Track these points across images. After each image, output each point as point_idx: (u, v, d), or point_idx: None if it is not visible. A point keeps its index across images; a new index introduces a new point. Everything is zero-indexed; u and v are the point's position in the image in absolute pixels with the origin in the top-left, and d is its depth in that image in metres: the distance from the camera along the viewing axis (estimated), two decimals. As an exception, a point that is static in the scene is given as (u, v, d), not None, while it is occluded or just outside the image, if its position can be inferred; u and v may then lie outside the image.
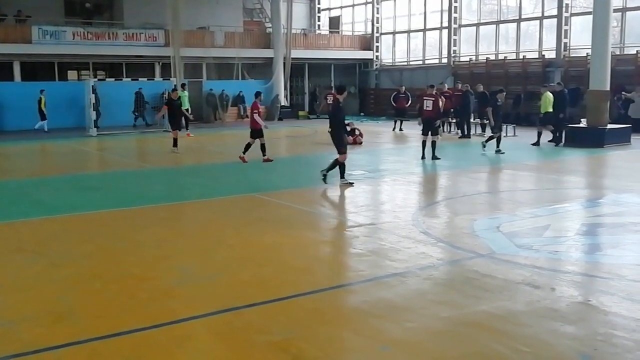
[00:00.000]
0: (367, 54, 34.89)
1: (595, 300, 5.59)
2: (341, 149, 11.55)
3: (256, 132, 15.09)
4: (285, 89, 31.97)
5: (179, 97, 18.92)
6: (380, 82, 34.61)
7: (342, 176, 11.68)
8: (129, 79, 26.02)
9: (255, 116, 15.08)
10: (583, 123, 18.88)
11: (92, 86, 23.80)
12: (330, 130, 11.92)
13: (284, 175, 13.81)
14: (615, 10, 20.99)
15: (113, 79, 26.48)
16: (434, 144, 15.15)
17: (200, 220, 9.26)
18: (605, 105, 18.56)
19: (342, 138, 11.70)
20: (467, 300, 5.60)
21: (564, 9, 25.19)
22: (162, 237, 8.15)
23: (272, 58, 31.37)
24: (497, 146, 16.35)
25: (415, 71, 32.22)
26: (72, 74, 30.75)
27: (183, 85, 23.42)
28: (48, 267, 6.86)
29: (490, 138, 16.59)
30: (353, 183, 11.72)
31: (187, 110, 22.14)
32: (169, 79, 25.40)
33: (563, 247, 7.42)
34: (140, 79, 25.92)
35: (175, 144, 17.37)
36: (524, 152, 16.81)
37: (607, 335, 4.79)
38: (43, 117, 24.09)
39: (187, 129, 22.29)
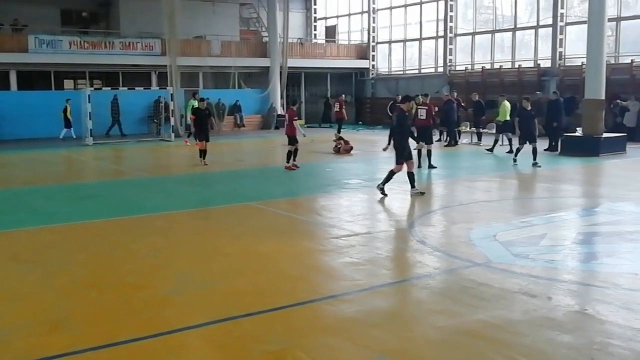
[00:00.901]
0: (363, 63, 35.00)
1: (591, 309, 5.59)
2: (399, 159, 11.25)
3: (293, 139, 15.47)
4: (281, 98, 32.02)
5: (207, 107, 17.68)
6: (377, 91, 34.70)
7: (412, 186, 11.42)
8: (125, 88, 26.03)
9: (295, 123, 15.59)
10: (579, 132, 18.95)
11: (115, 96, 24.27)
12: (391, 141, 11.47)
13: (280, 184, 13.80)
14: (610, 20, 21.11)
15: (109, 88, 26.47)
16: (429, 152, 15.16)
17: (196, 229, 9.24)
18: (601, 114, 18.64)
19: (403, 149, 11.30)
20: (464, 309, 5.59)
21: (559, 18, 25.32)
22: (158, 246, 8.14)
23: (268, 67, 31.46)
24: (534, 159, 15.38)
25: (412, 80, 32.30)
26: (68, 83, 30.78)
27: (194, 94, 23.27)
28: (44, 276, 6.84)
29: (517, 151, 15.95)
30: (424, 193, 11.55)
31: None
32: (166, 88, 25.42)
33: (559, 256, 7.43)
34: (137, 88, 25.93)
35: (203, 156, 16.39)
36: (521, 161, 16.84)
37: (603, 345, 4.79)
38: (68, 124, 24.39)
39: (188, 137, 22.26)
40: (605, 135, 18.60)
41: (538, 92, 23.28)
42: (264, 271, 6.92)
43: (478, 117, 21.67)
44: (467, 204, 10.92)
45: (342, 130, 23.61)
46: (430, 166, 15.00)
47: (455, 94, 22.68)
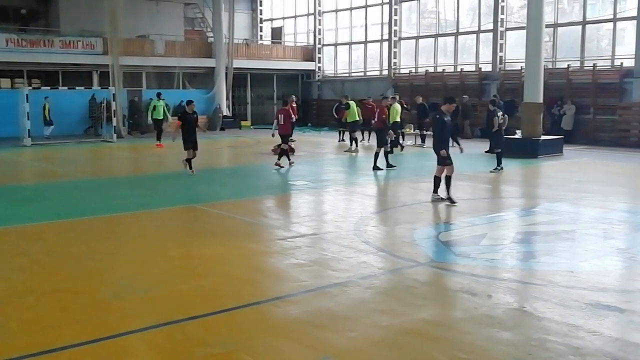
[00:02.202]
0: (309, 65, 35.10)
1: (529, 307, 5.76)
2: (445, 161, 10.82)
3: (286, 137, 16.00)
4: (227, 99, 31.79)
5: (194, 110, 15.37)
6: (323, 93, 34.87)
7: (434, 191, 10.98)
8: (65, 88, 25.33)
9: (292, 120, 16.28)
10: (518, 134, 19.48)
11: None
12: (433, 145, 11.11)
13: (226, 186, 13.70)
14: (548, 26, 21.81)
15: (49, 88, 25.70)
16: (376, 155, 15.29)
17: (138, 232, 9.07)
18: (539, 117, 19.22)
19: (447, 150, 10.87)
20: (407, 308, 5.68)
21: (499, 23, 26.00)
22: (99, 249, 7.95)
23: (213, 67, 31.18)
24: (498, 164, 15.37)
25: (357, 83, 32.58)
26: (5, 82, 29.76)
27: (159, 95, 22.59)
28: (-23, 282, 6.59)
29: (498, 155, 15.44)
30: (445, 199, 10.81)
31: (161, 120, 21.57)
32: (107, 88, 24.88)
33: (499, 255, 7.62)
34: (77, 88, 25.27)
35: (189, 166, 14.64)
36: (462, 163, 17.17)
37: (541, 340, 4.94)
38: (48, 122, 24.70)
39: (159, 140, 21.69)
40: (543, 137, 19.18)
41: (465, 97, 23.96)
42: (209, 274, 6.86)
43: (422, 119, 22.04)
44: (411, 204, 11.08)
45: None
46: (376, 167, 15.13)
47: (398, 96, 23.00)
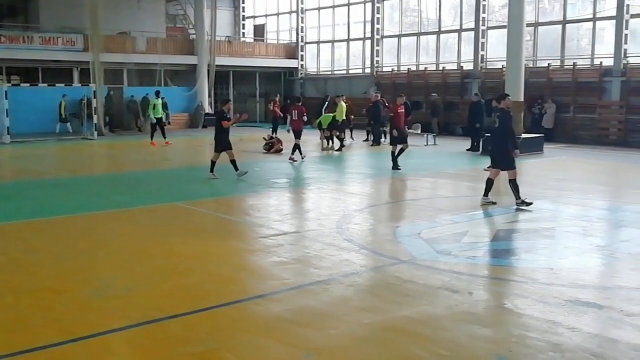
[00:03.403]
0: (292, 63, 35.04)
1: (510, 304, 5.82)
2: (511, 164, 10.22)
3: (299, 133, 16.69)
4: (209, 97, 31.66)
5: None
6: (305, 91, 34.83)
7: (517, 197, 10.23)
8: (45, 85, 25.06)
9: (304, 118, 17.00)
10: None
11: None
12: (491, 147, 10.56)
13: (208, 184, 13.64)
14: (528, 25, 21.99)
15: (28, 84, 25.41)
16: (393, 153, 14.88)
17: (119, 230, 9.01)
18: (520, 116, 19.35)
19: (507, 152, 10.27)
20: (389, 305, 5.70)
21: (480, 22, 26.15)
22: (79, 247, 7.89)
23: (195, 65, 31.04)
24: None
25: (340, 80, 32.60)
26: (-17, 78, 29.33)
27: (157, 93, 21.86)
28: (-45, 281, 6.51)
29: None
30: (532, 203, 10.25)
31: (160, 119, 21.31)
32: (88, 85, 24.65)
33: (480, 253, 7.68)
34: (57, 85, 25.01)
35: (236, 167, 13.65)
36: (444, 160, 17.30)
37: (521, 337, 4.99)
38: (63, 120, 25.89)
39: (163, 136, 21.25)
40: (524, 135, 19.32)
41: (433, 94, 24.10)
42: (191, 272, 6.83)
43: (405, 117, 22.08)
44: (393, 202, 11.12)
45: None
46: (396, 167, 14.72)
47: (379, 95, 23.08)
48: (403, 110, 15.19)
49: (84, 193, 12.32)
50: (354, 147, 20.98)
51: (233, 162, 13.52)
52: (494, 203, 10.40)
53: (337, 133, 20.19)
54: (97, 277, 6.63)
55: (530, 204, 10.17)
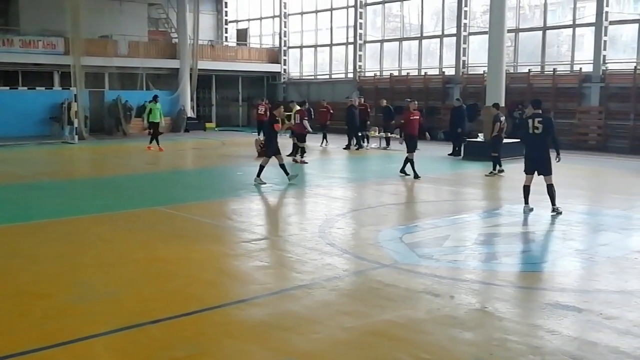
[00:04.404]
0: (274, 67, 35.05)
1: (491, 307, 5.86)
2: (551, 170, 10.10)
3: (302, 137, 17.19)
4: (191, 101, 31.57)
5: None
6: (288, 95, 34.80)
7: (554, 202, 10.09)
8: (25, 88, 24.82)
9: (305, 122, 17.37)
10: (480, 137, 19.77)
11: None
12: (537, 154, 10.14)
13: (191, 188, 13.61)
14: (509, 31, 22.20)
15: (8, 88, 25.14)
16: (407, 160, 14.48)
17: (101, 234, 8.94)
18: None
19: (550, 158, 10.13)
20: (371, 310, 5.73)
21: (462, 28, 26.36)
22: (61, 252, 7.82)
23: (178, 69, 30.94)
24: (499, 165, 15.47)
25: (323, 85, 32.68)
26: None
27: (155, 97, 21.61)
28: None
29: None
30: (561, 212, 10.09)
31: (157, 123, 21.04)
32: (69, 89, 24.46)
33: (462, 257, 7.73)
34: (38, 88, 24.78)
35: (287, 171, 13.55)
36: (426, 165, 17.37)
37: (501, 340, 5.04)
38: (70, 122, 25.14)
39: (157, 143, 20.66)
40: (505, 140, 19.47)
41: (407, 100, 24.21)
42: (173, 277, 6.81)
43: (387, 122, 22.23)
44: (375, 207, 11.16)
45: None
46: (416, 175, 14.31)
47: (361, 99, 23.16)
48: (417, 117, 14.73)
49: (65, 197, 12.23)
50: (335, 152, 20.97)
51: (282, 166, 13.48)
52: (532, 210, 10.22)
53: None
54: (79, 282, 6.58)
55: (561, 213, 10.04)
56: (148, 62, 29.56)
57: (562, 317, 5.56)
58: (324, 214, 10.49)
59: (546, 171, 10.11)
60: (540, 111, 10.30)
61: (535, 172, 10.19)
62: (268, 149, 13.64)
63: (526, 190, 10.28)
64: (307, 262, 7.26)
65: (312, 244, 8.14)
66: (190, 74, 30.85)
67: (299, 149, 17.33)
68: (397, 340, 5.02)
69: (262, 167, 13.29)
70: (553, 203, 10.09)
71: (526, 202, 10.30)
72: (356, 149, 21.47)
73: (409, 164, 14.39)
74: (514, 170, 16.50)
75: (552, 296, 6.10)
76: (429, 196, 12.92)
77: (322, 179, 14.93)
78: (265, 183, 13.11)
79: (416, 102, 15.67)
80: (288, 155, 18.76)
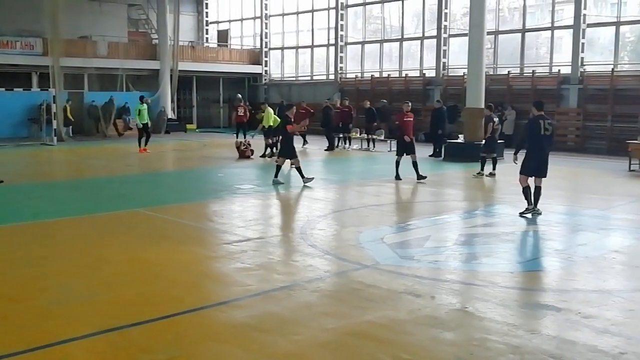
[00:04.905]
0: (256, 69, 34.96)
1: (471, 307, 5.89)
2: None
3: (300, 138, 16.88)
4: (172, 102, 31.39)
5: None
6: (270, 97, 34.75)
7: (535, 204, 10.09)
8: (3, 89, 24.49)
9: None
10: (460, 139, 19.90)
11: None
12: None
13: (171, 190, 13.52)
14: (489, 33, 22.36)
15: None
16: (414, 164, 14.23)
17: (80, 237, 8.85)
18: (481, 122, 19.62)
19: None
20: (353, 310, 5.73)
21: (442, 30, 26.50)
22: (38, 255, 7.72)
23: (158, 70, 30.74)
24: (493, 168, 15.51)
25: (304, 87, 32.66)
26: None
27: (142, 98, 21.43)
28: None
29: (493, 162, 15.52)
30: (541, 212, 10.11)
31: (146, 124, 20.84)
32: (47, 90, 24.20)
33: (442, 257, 7.77)
34: (15, 89, 24.49)
35: (300, 175, 13.47)
36: (406, 166, 17.43)
37: (482, 340, 5.06)
38: (68, 124, 26.49)
39: (145, 145, 20.63)
40: (484, 142, 19.60)
41: (384, 101, 24.34)
42: (153, 279, 6.75)
43: (370, 123, 22.32)
44: (357, 208, 11.18)
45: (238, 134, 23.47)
46: (420, 177, 14.15)
47: (344, 101, 23.21)
48: (411, 119, 14.56)
49: (43, 199, 12.08)
50: (316, 153, 20.96)
51: (299, 169, 13.45)
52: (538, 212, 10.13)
53: (266, 139, 19.55)
54: (57, 285, 6.50)
55: (540, 213, 10.08)
56: (128, 63, 29.32)
57: (542, 317, 5.61)
58: (306, 216, 10.48)
59: (546, 173, 10.10)
60: (540, 112, 10.13)
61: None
62: (284, 151, 13.58)
63: (528, 191, 10.10)
64: (288, 264, 7.25)
65: (294, 245, 8.13)
66: (171, 75, 30.68)
67: (273, 149, 17.12)
68: (379, 341, 5.02)
69: (279, 167, 13.50)
70: (536, 204, 10.12)
71: (529, 202, 10.11)
72: (325, 149, 21.44)
73: (412, 166, 14.12)
74: (497, 170, 16.64)
75: (532, 296, 6.15)
76: (410, 197, 12.97)
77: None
78: (283, 183, 13.36)
79: (410, 103, 15.42)
80: (261, 156, 18.76)
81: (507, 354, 4.78)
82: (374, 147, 22.12)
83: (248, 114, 23.65)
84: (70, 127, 26.90)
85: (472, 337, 5.15)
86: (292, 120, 13.64)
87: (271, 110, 19.76)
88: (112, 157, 19.70)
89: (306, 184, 13.29)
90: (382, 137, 21.95)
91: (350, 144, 22.75)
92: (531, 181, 10.14)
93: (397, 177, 14.23)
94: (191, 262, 7.49)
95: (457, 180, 15.36)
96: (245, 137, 21.29)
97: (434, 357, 4.78)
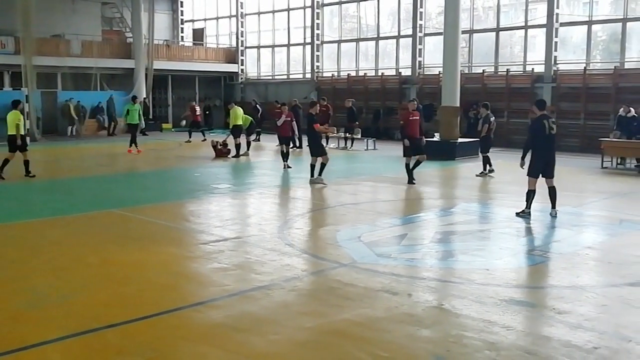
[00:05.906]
0: (232, 67, 34.80)
1: (448, 304, 5.94)
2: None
3: (287, 140, 16.70)
4: (147, 101, 31.10)
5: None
6: (246, 96, 34.63)
7: (554, 205, 9.99)
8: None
9: (294, 124, 17.56)
10: (436, 137, 20.03)
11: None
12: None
13: (146, 190, 13.40)
14: (464, 32, 22.56)
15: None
16: (407, 166, 13.78)
17: (53, 238, 8.73)
18: (456, 120, 19.84)
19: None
20: (330, 309, 5.74)
21: (418, 29, 26.64)
22: (11, 257, 7.61)
23: (133, 69, 30.44)
24: (489, 165, 15.39)
25: (281, 85, 32.62)
26: None
27: (134, 99, 21.26)
28: None
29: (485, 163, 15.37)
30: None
31: (136, 125, 20.48)
32: (20, 89, 23.82)
33: (419, 255, 7.82)
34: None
35: (319, 172, 13.48)
36: (383, 165, 17.52)
37: (458, 337, 5.11)
38: (72, 122, 27.21)
39: (135, 145, 20.31)
40: (460, 140, 19.79)
41: (352, 100, 24.36)
42: (129, 281, 6.69)
43: (350, 122, 22.37)
44: (334, 206, 11.20)
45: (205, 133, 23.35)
46: (411, 181, 13.65)
47: (322, 101, 23.18)
48: (417, 117, 13.83)
49: (16, 200, 11.90)
50: (290, 152, 20.92)
51: (323, 165, 13.37)
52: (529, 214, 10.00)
53: (234, 138, 19.33)
54: (30, 287, 6.41)
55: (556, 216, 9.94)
56: (102, 62, 29.02)
57: (517, 313, 5.67)
58: (283, 215, 10.46)
59: (553, 173, 9.99)
60: (546, 111, 10.00)
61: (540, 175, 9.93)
62: (315, 150, 13.39)
63: (533, 195, 9.92)
64: (266, 263, 7.24)
65: (271, 244, 8.12)
66: (146, 74, 30.40)
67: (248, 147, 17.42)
68: (356, 339, 5.04)
69: (313, 167, 13.41)
70: (554, 205, 9.95)
71: (529, 205, 9.94)
72: (291, 148, 21.34)
73: (415, 167, 13.76)
74: (469, 169, 16.79)
75: (507, 292, 6.22)
76: (387, 195, 13.02)
77: (282, 179, 14.89)
78: (326, 185, 13.18)
79: (415, 102, 14.65)
80: (234, 157, 18.66)
81: (483, 350, 4.83)
82: (351, 145, 22.19)
83: (200, 112, 23.95)
84: (75, 125, 27.35)
85: (449, 334, 5.19)
86: (315, 117, 13.38)
87: (239, 110, 19.69)
88: (85, 157, 19.47)
89: (312, 184, 13.20)
90: (359, 136, 22.05)
91: (327, 143, 22.74)
92: (541, 184, 9.96)
93: (410, 181, 13.51)
94: (168, 263, 7.44)
95: (433, 178, 15.45)
96: (204, 137, 21.18)
97: (411, 354, 4.81)
